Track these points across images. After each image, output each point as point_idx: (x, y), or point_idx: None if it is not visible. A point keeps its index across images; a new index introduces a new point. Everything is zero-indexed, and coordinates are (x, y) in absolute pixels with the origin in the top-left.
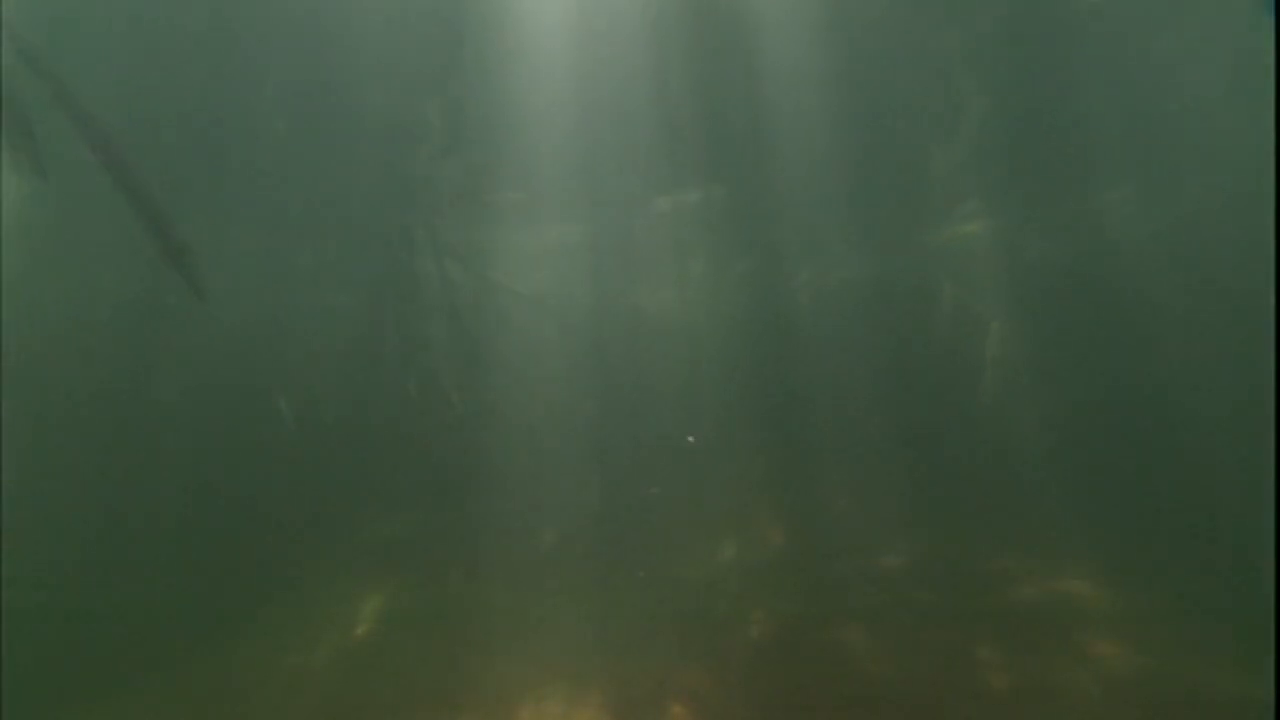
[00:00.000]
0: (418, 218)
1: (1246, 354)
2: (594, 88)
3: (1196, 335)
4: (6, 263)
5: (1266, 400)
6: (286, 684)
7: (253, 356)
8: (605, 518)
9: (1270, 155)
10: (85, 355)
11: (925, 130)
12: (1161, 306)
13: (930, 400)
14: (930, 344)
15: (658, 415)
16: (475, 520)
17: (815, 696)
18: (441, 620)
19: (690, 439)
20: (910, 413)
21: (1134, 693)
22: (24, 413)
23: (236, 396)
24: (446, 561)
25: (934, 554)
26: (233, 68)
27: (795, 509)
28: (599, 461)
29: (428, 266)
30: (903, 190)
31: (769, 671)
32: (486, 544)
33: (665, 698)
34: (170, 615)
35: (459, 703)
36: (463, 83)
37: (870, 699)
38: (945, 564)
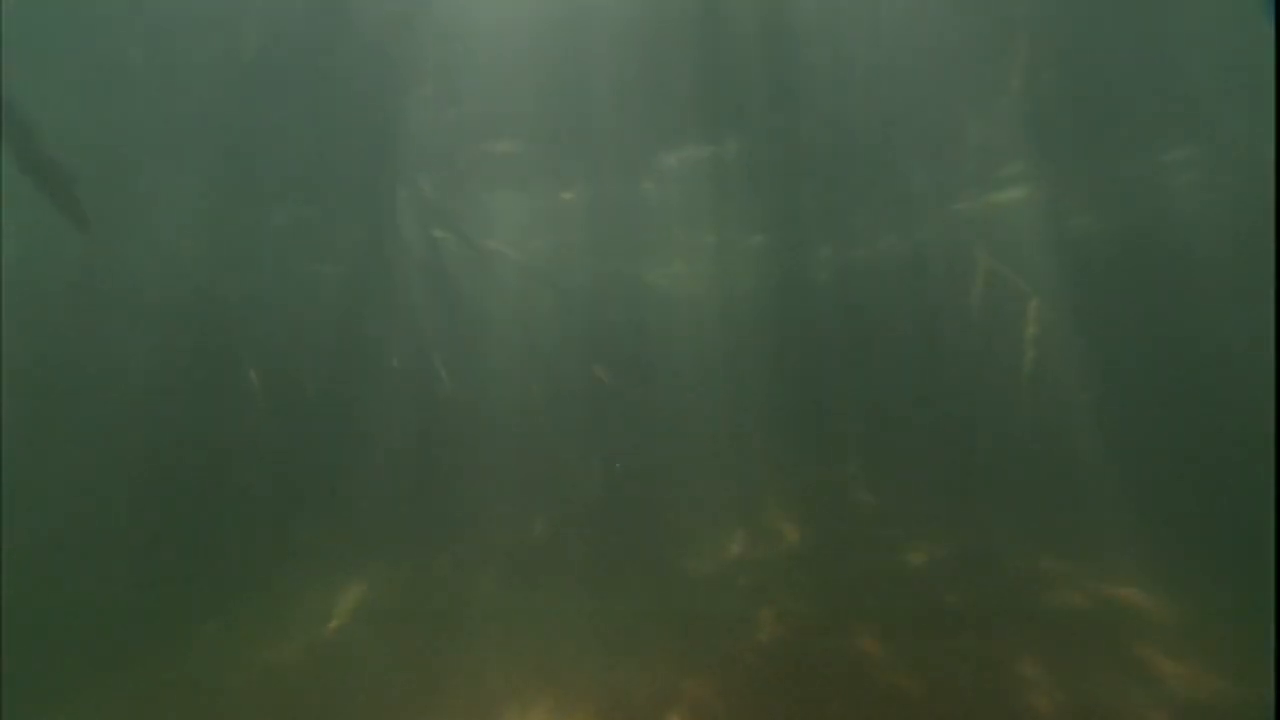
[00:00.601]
0: (404, 176)
1: None
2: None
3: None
4: None
5: None
6: (254, 683)
7: (226, 330)
8: (601, 508)
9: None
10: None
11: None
12: (1220, 279)
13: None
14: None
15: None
16: (461, 506)
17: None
18: (421, 615)
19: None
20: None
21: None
22: None
23: (205, 373)
24: (429, 550)
25: (965, 551)
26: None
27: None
28: (593, 446)
29: (414, 231)
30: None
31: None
32: (473, 531)
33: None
34: (136, 610)
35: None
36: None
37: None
38: (977, 562)
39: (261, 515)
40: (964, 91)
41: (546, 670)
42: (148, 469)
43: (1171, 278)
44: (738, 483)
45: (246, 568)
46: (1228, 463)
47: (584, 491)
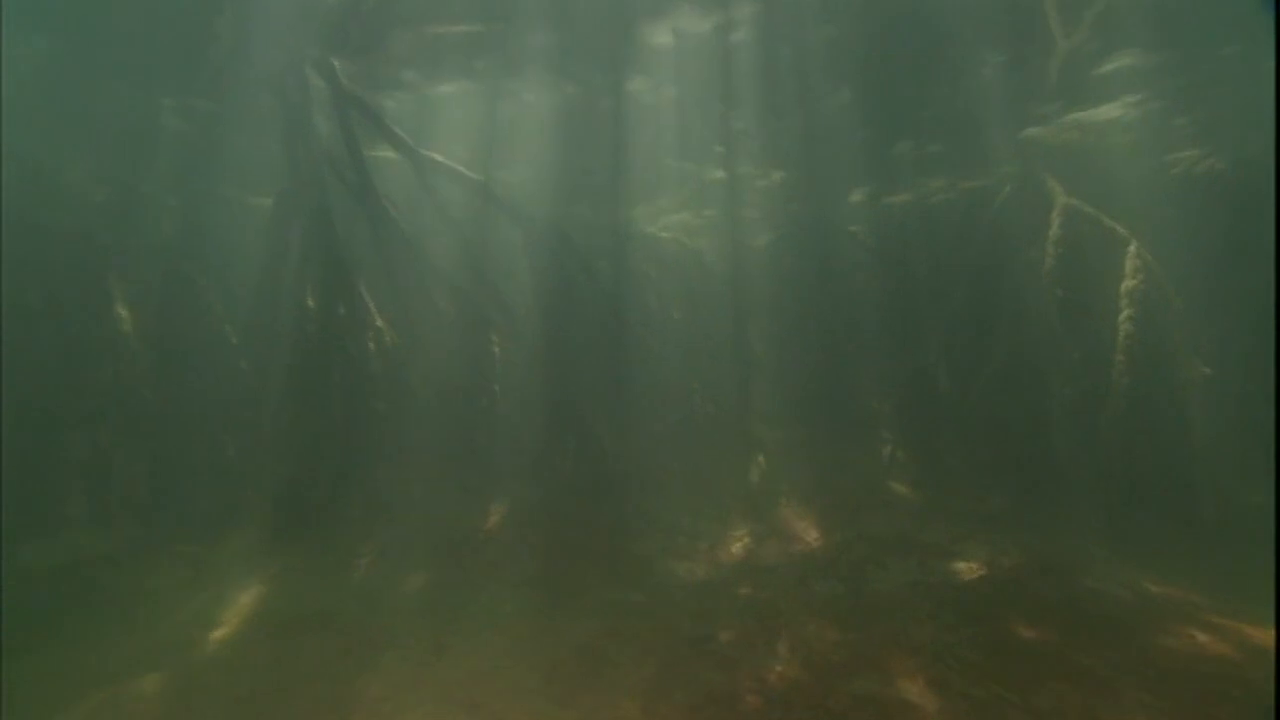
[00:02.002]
0: (320, 65)
1: None
2: None
3: None
4: None
5: None
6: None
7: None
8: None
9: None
10: None
11: None
12: None
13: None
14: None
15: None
16: (396, 488)
17: None
18: (329, 623)
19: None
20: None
21: None
22: None
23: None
24: (351, 541)
25: (1036, 564)
26: None
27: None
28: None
29: (333, 139)
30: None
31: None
32: (409, 518)
33: None
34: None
35: None
36: None
37: None
38: (1052, 578)
39: (134, 495)
40: None
41: (476, 706)
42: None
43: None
44: (743, 466)
45: (109, 565)
46: None
47: (551, 471)
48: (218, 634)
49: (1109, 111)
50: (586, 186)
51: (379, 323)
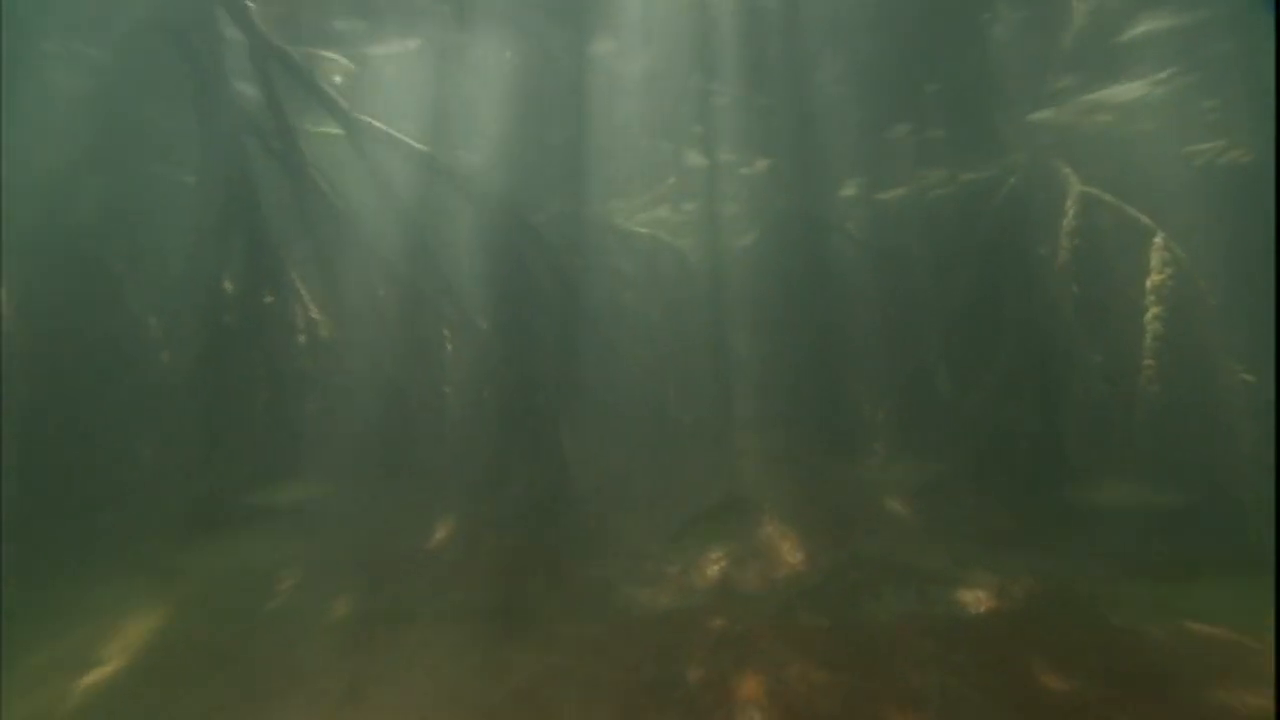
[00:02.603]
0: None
1: None
2: None
3: None
4: None
5: None
6: None
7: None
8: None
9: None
10: None
11: None
12: None
13: None
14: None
15: None
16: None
17: None
18: (230, 663)
19: None
20: None
21: None
22: None
23: None
24: (270, 561)
25: (1055, 594)
26: None
27: None
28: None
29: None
30: None
31: None
32: (340, 534)
33: None
34: None
35: None
36: None
37: None
38: (1074, 613)
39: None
40: None
41: None
42: None
43: None
44: (722, 479)
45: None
46: None
47: (505, 483)
48: (91, 678)
49: (1131, 91)
50: (549, 168)
51: (313, 313)
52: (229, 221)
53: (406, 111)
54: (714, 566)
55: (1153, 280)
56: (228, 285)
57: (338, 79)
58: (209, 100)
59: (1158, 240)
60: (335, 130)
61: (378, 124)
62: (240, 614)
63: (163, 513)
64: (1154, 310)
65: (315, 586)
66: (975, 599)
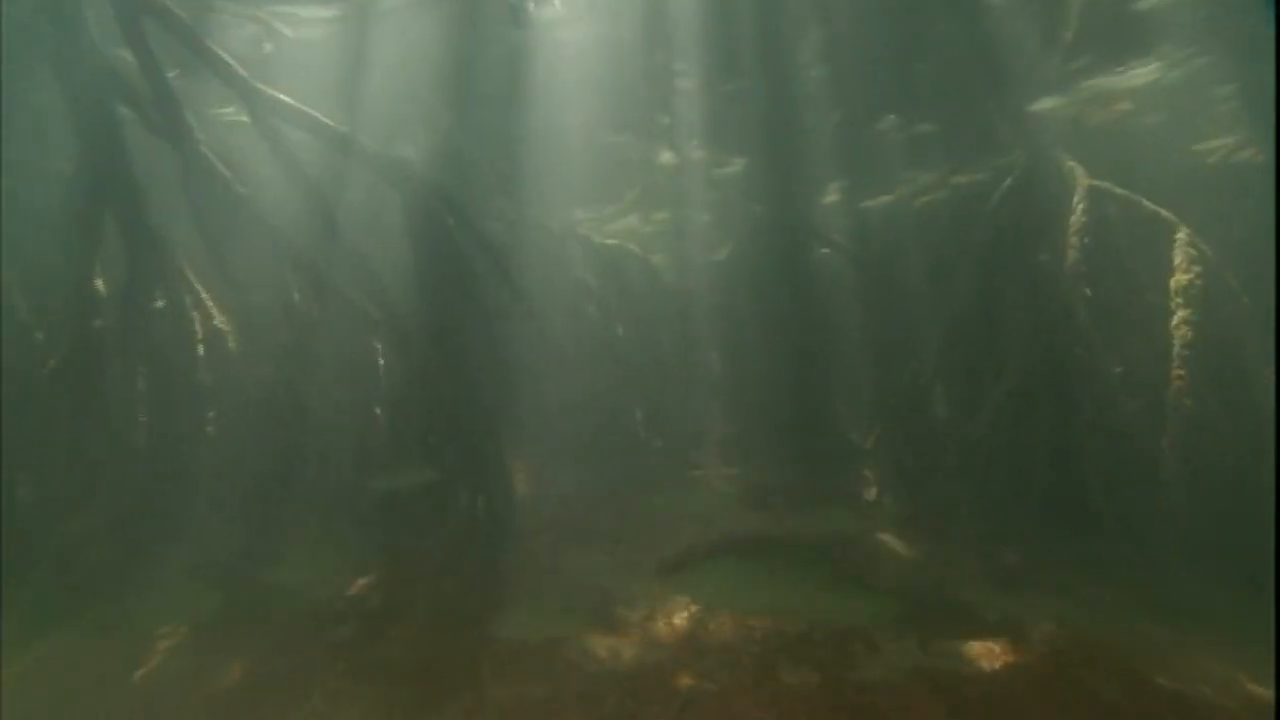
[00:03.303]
0: None
1: None
2: None
3: None
4: None
5: None
6: None
7: None
8: None
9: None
10: None
11: None
12: None
13: None
14: None
15: None
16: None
17: None
18: None
19: None
20: None
21: None
22: None
23: None
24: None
25: (1088, 647)
26: None
27: None
28: None
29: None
30: None
31: None
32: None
33: None
34: None
35: None
36: None
37: None
38: (1109, 669)
39: None
40: None
41: None
42: None
43: None
44: (693, 511)
45: None
46: None
47: (442, 518)
48: None
49: (1142, 75)
50: (496, 164)
51: (216, 320)
52: (97, 206)
53: (325, 92)
54: (682, 613)
55: (1178, 280)
56: (99, 285)
57: (268, 48)
58: (69, 61)
59: (1181, 235)
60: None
61: (284, 98)
62: (107, 681)
63: (23, 557)
64: (1181, 314)
65: (204, 646)
66: (988, 651)
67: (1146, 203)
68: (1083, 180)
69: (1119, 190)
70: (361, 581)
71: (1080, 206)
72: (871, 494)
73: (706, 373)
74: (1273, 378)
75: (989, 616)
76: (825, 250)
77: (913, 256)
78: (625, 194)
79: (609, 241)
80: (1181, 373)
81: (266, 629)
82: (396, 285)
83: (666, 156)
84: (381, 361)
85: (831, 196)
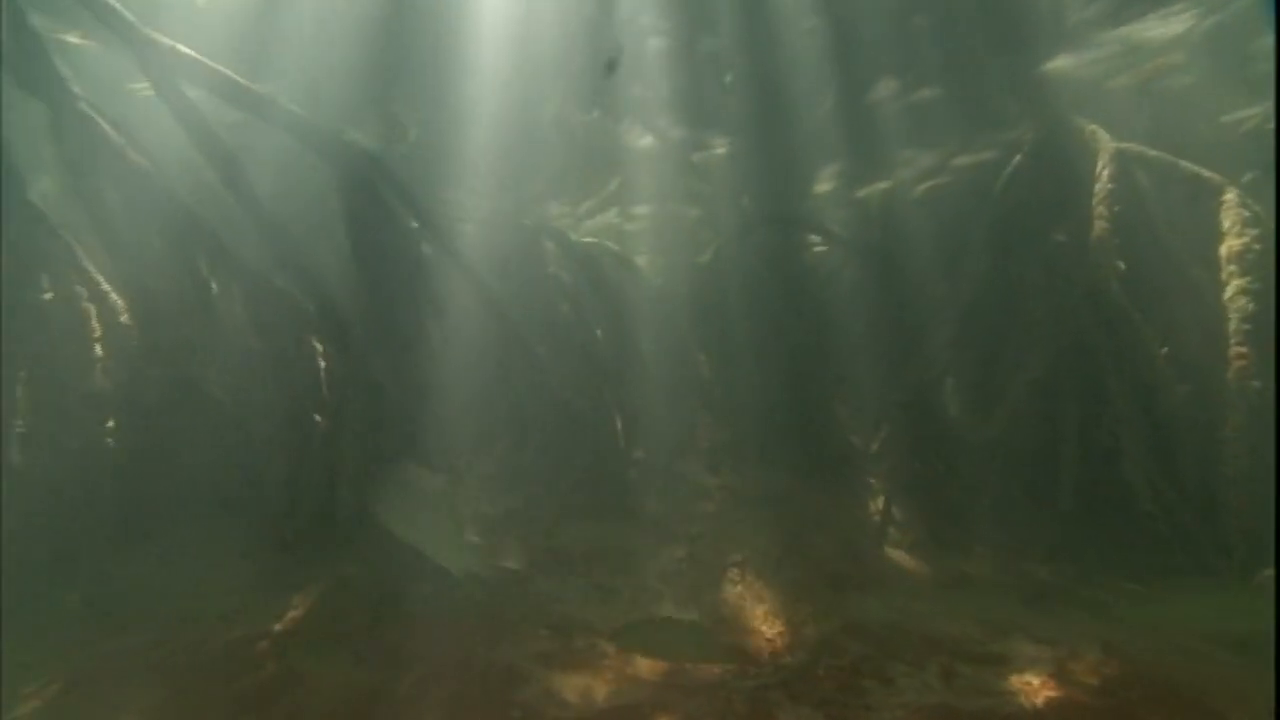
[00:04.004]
0: None
1: None
2: None
3: None
4: None
5: None
6: None
7: None
8: None
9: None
10: None
11: None
12: None
13: None
14: None
15: None
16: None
17: None
18: None
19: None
20: None
21: None
22: None
23: None
24: None
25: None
26: None
27: None
28: None
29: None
30: None
31: None
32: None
33: None
34: None
35: None
36: None
37: None
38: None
39: None
40: None
41: None
42: None
43: None
44: (678, 527)
45: None
46: None
47: (391, 539)
48: None
49: (1168, 27)
50: (443, 141)
51: (123, 316)
52: None
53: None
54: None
55: (1230, 246)
56: None
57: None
58: None
59: (1230, 196)
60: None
61: (185, 49)
62: None
63: None
64: (1238, 283)
65: (91, 697)
66: (1025, 685)
67: (1185, 163)
68: (1107, 144)
69: (1152, 151)
70: (292, 615)
71: (1106, 173)
72: (877, 503)
73: (694, 376)
74: None
75: (1021, 640)
76: (821, 243)
77: (915, 247)
78: (601, 186)
79: (587, 240)
80: (1244, 350)
81: (164, 676)
82: (332, 274)
83: (644, 139)
84: (321, 364)
85: (824, 185)
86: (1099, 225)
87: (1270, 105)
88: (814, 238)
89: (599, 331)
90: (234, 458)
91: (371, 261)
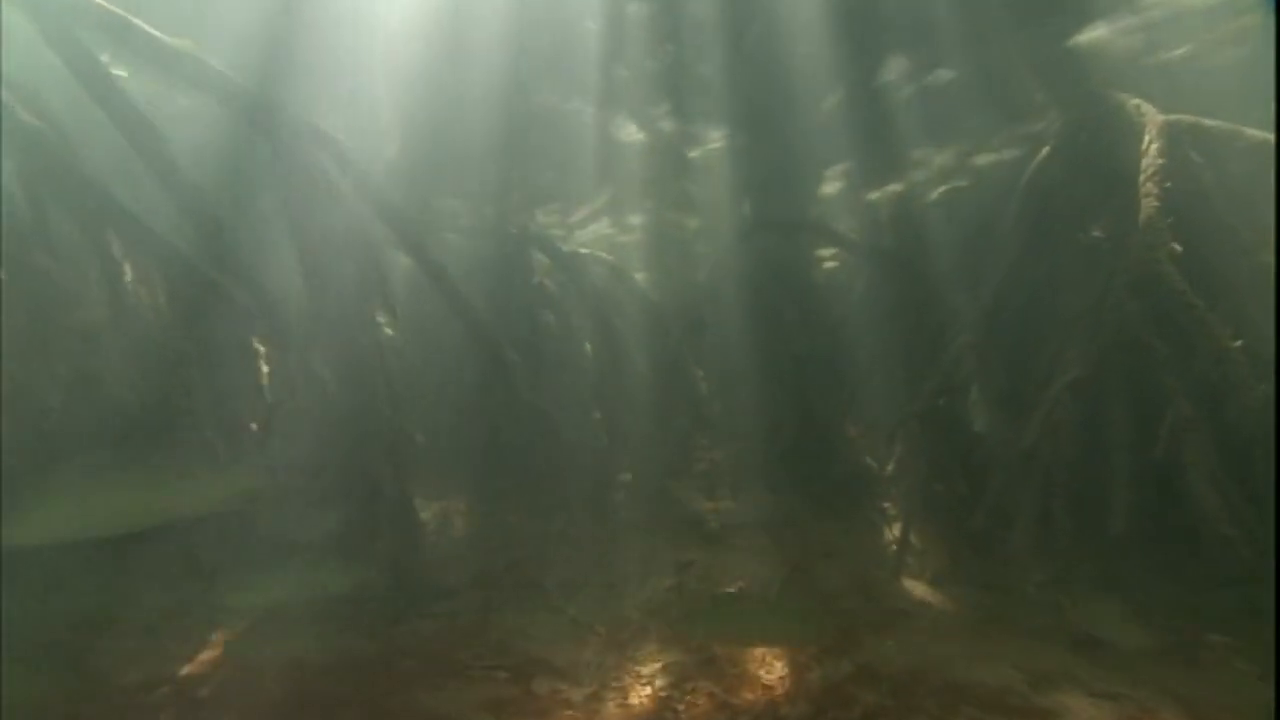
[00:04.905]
0: None
1: None
2: None
3: None
4: None
5: None
6: None
7: None
8: None
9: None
10: None
11: None
12: None
13: None
14: None
15: None
16: None
17: None
18: None
19: None
20: None
21: None
22: None
23: None
24: None
25: None
26: None
27: None
28: None
29: None
30: None
31: None
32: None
33: None
34: None
35: None
36: None
37: None
38: None
39: None
40: None
41: None
42: None
43: None
44: (667, 557)
45: None
46: None
47: (338, 566)
48: None
49: None
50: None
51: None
52: None
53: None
54: (643, 689)
55: None
56: None
57: None
58: None
59: None
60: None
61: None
62: None
63: None
64: None
65: None
66: None
67: (1252, 131)
68: (1154, 117)
69: (1208, 122)
70: (209, 656)
71: (1154, 148)
72: (892, 530)
73: (691, 392)
74: None
75: (1070, 692)
76: (827, 247)
77: (934, 253)
78: (593, 193)
79: (581, 250)
80: None
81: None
82: (270, 263)
83: (632, 132)
84: (263, 368)
85: (831, 186)
86: (1147, 205)
87: None
88: (820, 241)
89: (587, 345)
90: None
91: (309, 245)
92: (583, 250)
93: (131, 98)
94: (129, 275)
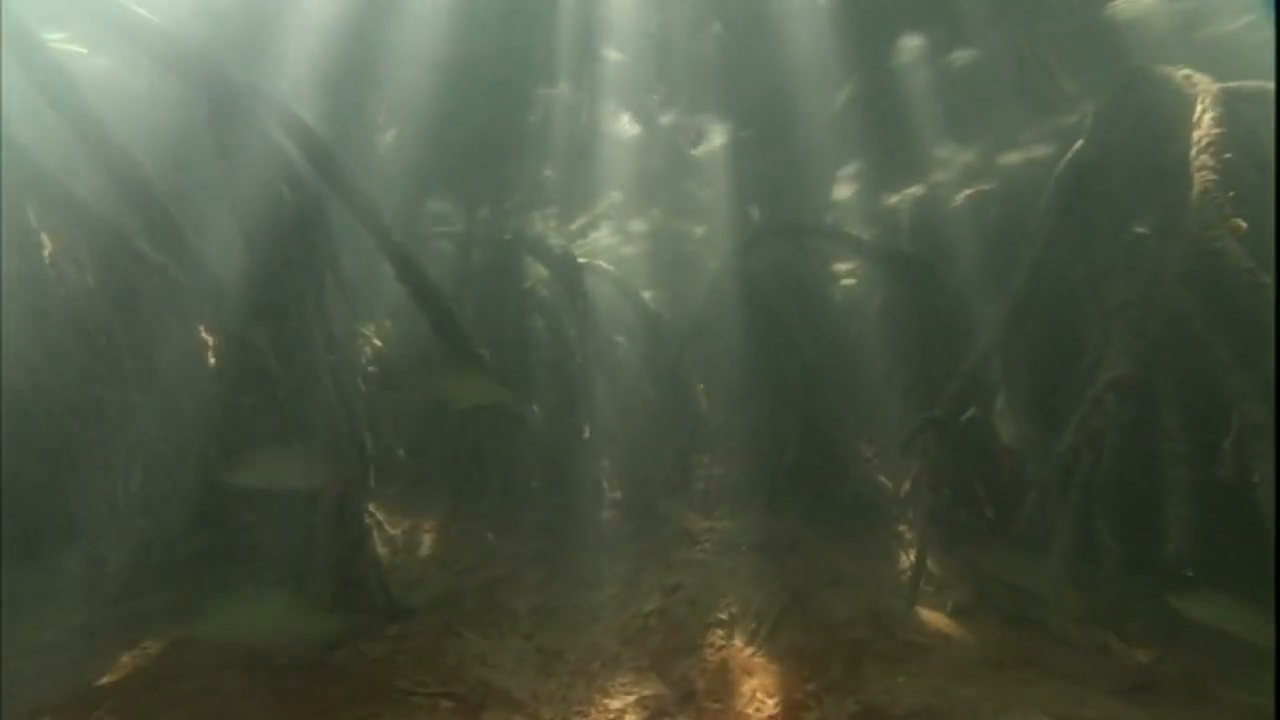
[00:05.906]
0: None
1: None
2: None
3: None
4: None
5: None
6: None
7: None
8: None
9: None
10: None
11: None
12: None
13: None
14: None
15: None
16: None
17: None
18: None
19: None
20: None
21: None
22: None
23: None
24: None
25: None
26: None
27: None
28: None
29: None
30: None
31: None
32: None
33: None
34: None
35: None
36: None
37: None
38: None
39: None
40: None
41: None
42: None
43: None
44: (656, 581)
45: None
46: None
47: (288, 582)
48: None
49: None
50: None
51: None
52: None
53: None
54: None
55: None
56: None
57: None
58: None
59: None
60: None
61: None
62: None
63: None
64: None
65: None
66: None
67: None
68: (1207, 86)
69: (1270, 86)
70: (125, 657)
71: (1208, 118)
72: (907, 554)
73: (689, 406)
74: None
75: None
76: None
77: (957, 259)
78: (594, 199)
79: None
80: None
81: None
82: (217, 243)
83: (628, 125)
84: (212, 361)
85: (844, 190)
86: (1202, 179)
87: None
88: (832, 247)
89: (579, 357)
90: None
91: (267, 230)
92: (581, 260)
93: (53, 53)
94: (48, 248)
